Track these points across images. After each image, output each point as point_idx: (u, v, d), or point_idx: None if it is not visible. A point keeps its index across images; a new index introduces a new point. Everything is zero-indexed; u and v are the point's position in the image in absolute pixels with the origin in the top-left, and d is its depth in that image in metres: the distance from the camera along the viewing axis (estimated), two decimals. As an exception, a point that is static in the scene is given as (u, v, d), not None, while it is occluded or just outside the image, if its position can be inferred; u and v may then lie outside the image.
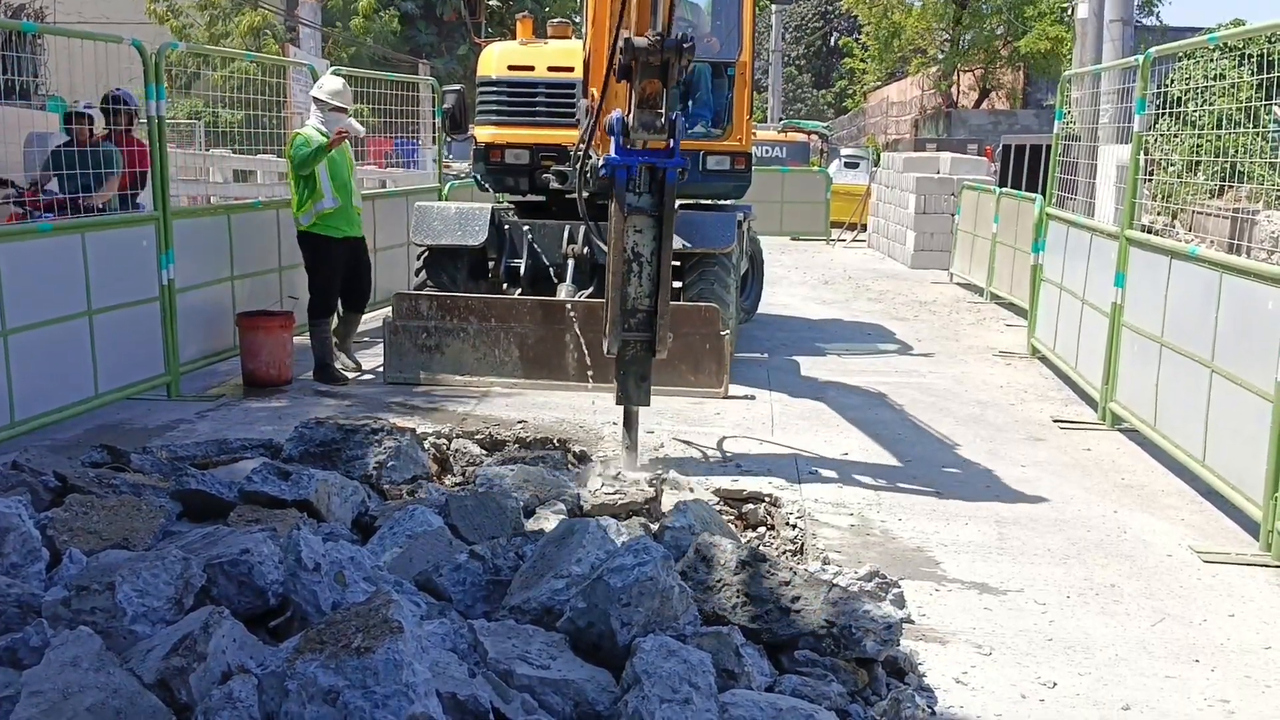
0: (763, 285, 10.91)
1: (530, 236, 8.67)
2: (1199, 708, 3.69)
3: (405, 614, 2.86)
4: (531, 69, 8.89)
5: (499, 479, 5.24)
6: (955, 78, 33.12)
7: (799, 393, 7.98)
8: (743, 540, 4.96)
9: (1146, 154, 8.18)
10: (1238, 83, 11.15)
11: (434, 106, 11.18)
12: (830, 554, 4.89)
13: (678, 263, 7.99)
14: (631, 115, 5.24)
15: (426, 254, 8.76)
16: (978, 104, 33.55)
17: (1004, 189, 13.64)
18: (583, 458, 6.26)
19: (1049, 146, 10.52)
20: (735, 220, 8.43)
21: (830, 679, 3.48)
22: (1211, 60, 12.55)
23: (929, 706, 3.58)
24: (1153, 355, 6.49)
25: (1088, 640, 4.15)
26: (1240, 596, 4.61)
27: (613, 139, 5.30)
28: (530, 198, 9.24)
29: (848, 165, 23.20)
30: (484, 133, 8.93)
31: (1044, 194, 10.15)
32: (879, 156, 23.35)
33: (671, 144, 5.32)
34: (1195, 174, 11.66)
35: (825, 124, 35.11)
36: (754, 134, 9.77)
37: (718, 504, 5.43)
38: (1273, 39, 8.84)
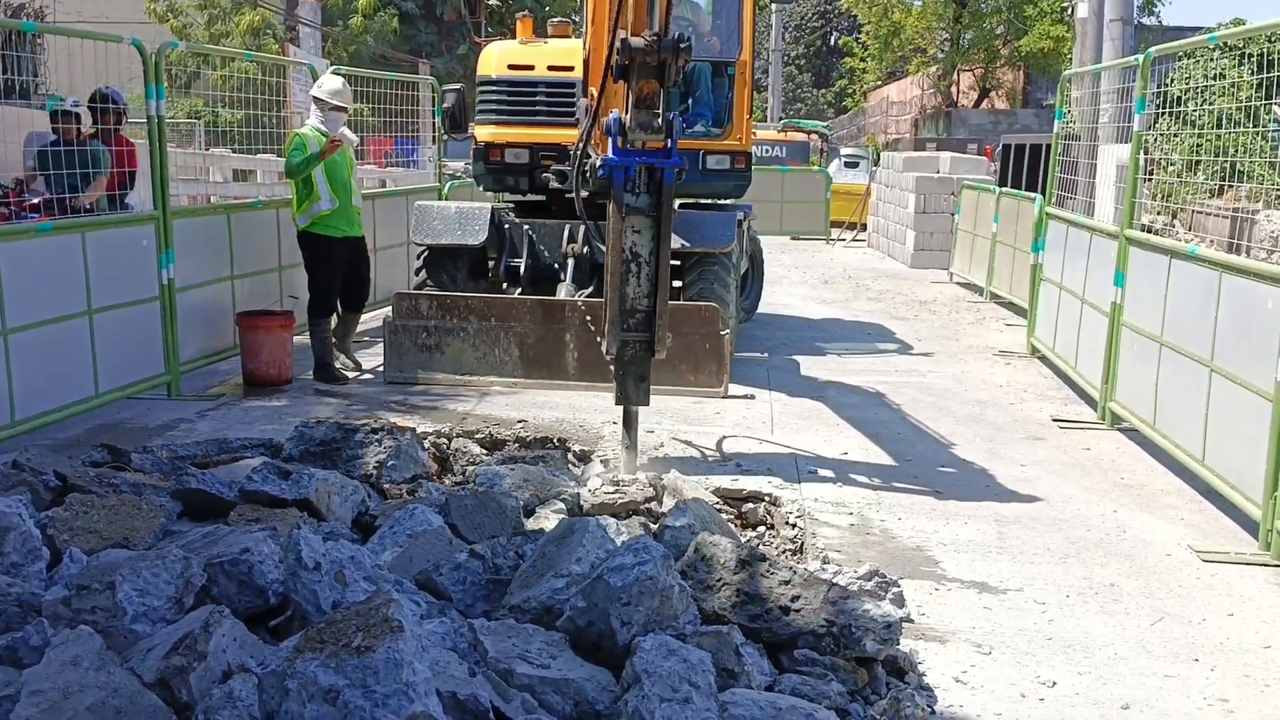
0: (763, 285, 10.92)
1: (530, 236, 8.67)
2: (1198, 707, 3.70)
3: (405, 613, 2.86)
4: (531, 68, 8.89)
5: (499, 478, 5.24)
6: (955, 77, 33.13)
7: (799, 392, 7.99)
8: (742, 540, 4.96)
9: (1146, 153, 8.18)
10: (1238, 82, 11.12)
11: (434, 106, 11.18)
12: (830, 553, 4.89)
13: (677, 262, 7.99)
14: (629, 115, 5.24)
15: (426, 253, 8.76)
16: (978, 103, 33.57)
17: (1004, 188, 13.64)
18: (583, 457, 6.26)
19: (1049, 146, 10.52)
20: (735, 220, 8.44)
21: (830, 678, 3.48)
22: (1211, 60, 12.53)
23: (929, 705, 3.58)
24: (1152, 355, 6.49)
25: (1087, 639, 4.15)
26: (1239, 596, 4.61)
27: (610, 140, 5.30)
28: (530, 197, 9.25)
29: (847, 165, 23.20)
30: (484, 132, 8.93)
31: (1044, 193, 10.15)
32: (879, 156, 23.34)
33: (669, 144, 5.31)
34: (1195, 173, 11.65)
35: (825, 123, 35.08)
36: (754, 133, 9.78)
37: (717, 503, 5.42)
38: (1273, 38, 8.83)
